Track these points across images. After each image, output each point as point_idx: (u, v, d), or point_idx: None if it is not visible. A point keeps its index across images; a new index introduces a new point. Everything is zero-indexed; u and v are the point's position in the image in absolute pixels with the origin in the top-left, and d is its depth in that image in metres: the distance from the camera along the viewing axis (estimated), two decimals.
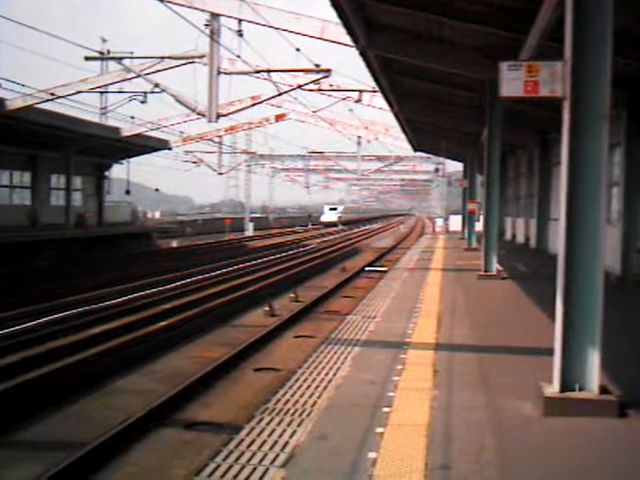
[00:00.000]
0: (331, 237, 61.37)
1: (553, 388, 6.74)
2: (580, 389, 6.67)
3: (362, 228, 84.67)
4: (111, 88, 32.01)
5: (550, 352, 6.87)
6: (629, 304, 14.77)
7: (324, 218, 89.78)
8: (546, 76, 6.79)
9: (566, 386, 6.67)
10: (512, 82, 6.95)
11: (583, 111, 6.62)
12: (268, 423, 6.54)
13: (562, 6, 7.00)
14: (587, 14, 6.58)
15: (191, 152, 55.33)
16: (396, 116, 31.49)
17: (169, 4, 17.80)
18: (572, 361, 6.68)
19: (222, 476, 5.31)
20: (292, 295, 20.82)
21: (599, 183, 6.64)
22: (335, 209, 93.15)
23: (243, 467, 5.46)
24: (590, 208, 6.67)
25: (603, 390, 6.70)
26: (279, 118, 42.34)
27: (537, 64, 6.90)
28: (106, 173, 45.12)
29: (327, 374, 8.32)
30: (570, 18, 6.65)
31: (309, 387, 7.77)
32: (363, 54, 18.68)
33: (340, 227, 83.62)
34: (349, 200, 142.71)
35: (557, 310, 6.80)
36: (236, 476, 5.31)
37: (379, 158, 63.27)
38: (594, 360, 6.64)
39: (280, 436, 6.15)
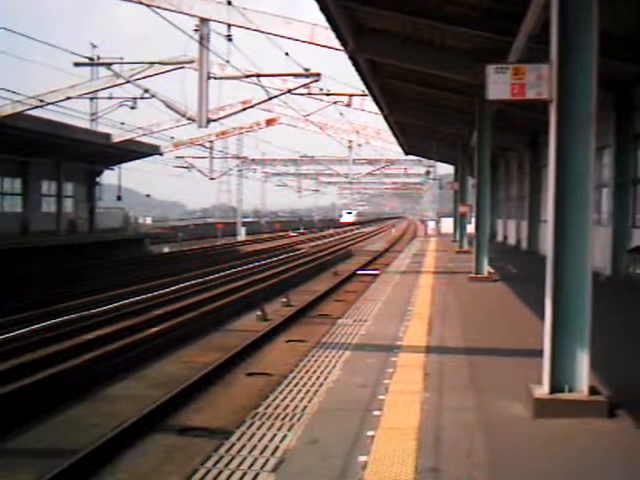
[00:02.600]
0: (324, 241, 61.38)
1: (543, 389, 6.75)
2: (570, 390, 6.68)
3: (356, 232, 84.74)
4: (101, 94, 32.05)
5: (540, 353, 6.88)
6: (619, 304, 14.82)
7: (343, 219, 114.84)
8: (532, 78, 6.81)
9: (556, 387, 6.68)
10: (499, 85, 6.97)
11: (569, 113, 6.65)
12: (259, 428, 6.52)
13: (548, 9, 7.03)
14: (572, 16, 6.60)
15: (182, 157, 55.33)
16: (386, 119, 31.56)
17: (157, 10, 17.80)
18: (561, 362, 6.68)
19: None
20: (284, 299, 20.81)
21: (586, 184, 6.66)
22: (351, 213, 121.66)
23: (233, 472, 5.45)
24: (578, 209, 6.68)
25: (593, 391, 6.70)
26: (270, 123, 42.36)
27: (523, 67, 6.91)
28: (97, 179, 45.09)
29: (318, 378, 8.31)
30: (555, 20, 6.67)
31: (300, 391, 7.76)
32: (352, 58, 18.73)
33: (332, 231, 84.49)
34: (340, 204, 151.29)
35: (546, 311, 6.81)
36: None
37: (370, 162, 63.33)
38: (583, 361, 6.65)
39: (271, 440, 6.13)
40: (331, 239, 65.23)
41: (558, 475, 5.37)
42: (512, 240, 37.98)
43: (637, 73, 16.63)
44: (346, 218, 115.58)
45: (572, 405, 6.60)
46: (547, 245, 6.90)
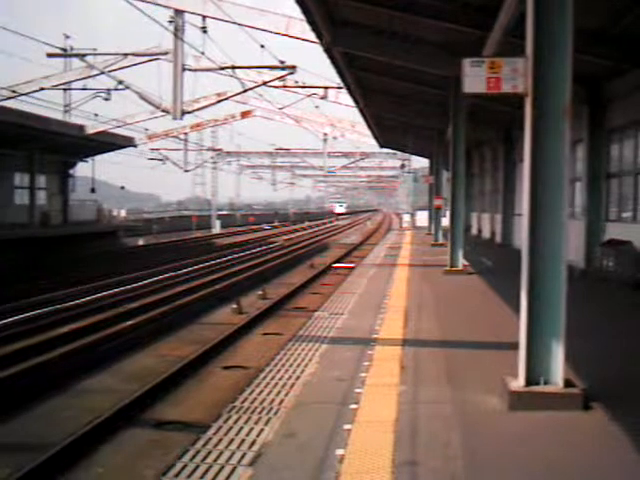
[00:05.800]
0: (299, 234, 61.33)
1: (518, 382, 6.79)
2: (545, 383, 6.73)
3: (329, 225, 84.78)
4: (74, 85, 31.74)
5: (515, 346, 6.92)
6: (593, 298, 14.95)
7: (336, 210, 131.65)
8: (508, 72, 6.84)
9: (531, 380, 6.73)
10: (474, 78, 6.98)
11: (544, 107, 6.68)
12: (236, 421, 6.51)
13: (524, 2, 7.05)
14: (547, 10, 6.64)
15: (157, 149, 55.04)
16: (362, 112, 31.56)
17: (132, 0, 17.63)
18: (537, 355, 6.73)
19: (189, 476, 5.27)
20: (260, 292, 20.77)
21: (561, 178, 6.70)
22: (342, 205, 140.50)
23: (210, 466, 5.43)
24: (552, 203, 6.72)
25: (568, 384, 6.76)
26: (245, 115, 42.27)
27: (499, 60, 6.94)
28: (71, 171, 44.67)
29: (295, 371, 8.31)
30: (531, 14, 6.70)
31: (277, 385, 7.75)
32: (328, 50, 18.69)
33: (307, 224, 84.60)
34: (315, 197, 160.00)
35: (522, 305, 6.85)
36: (203, 476, 5.27)
37: (345, 155, 63.43)
38: (558, 354, 6.70)
39: (248, 434, 6.12)
40: (306, 232, 65.16)
41: (534, 466, 5.40)
42: (486, 233, 38.17)
43: (610, 68, 16.75)
44: (338, 209, 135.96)
45: (547, 398, 6.65)
46: (522, 239, 6.94)
